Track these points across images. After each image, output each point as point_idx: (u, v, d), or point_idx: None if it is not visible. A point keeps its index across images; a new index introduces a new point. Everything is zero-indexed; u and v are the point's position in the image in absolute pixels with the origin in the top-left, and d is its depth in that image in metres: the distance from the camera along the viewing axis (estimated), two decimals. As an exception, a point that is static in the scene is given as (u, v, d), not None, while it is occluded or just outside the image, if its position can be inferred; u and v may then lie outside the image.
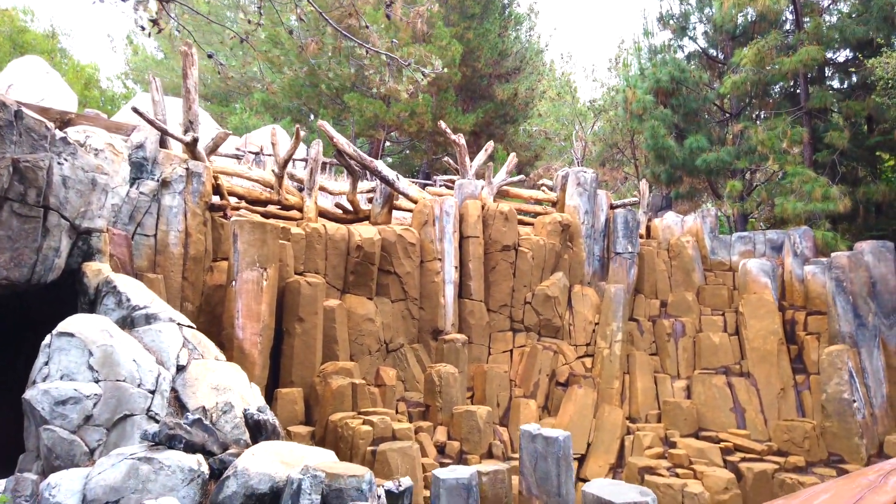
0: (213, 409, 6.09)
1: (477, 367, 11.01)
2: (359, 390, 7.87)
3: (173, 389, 6.09)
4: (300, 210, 11.07)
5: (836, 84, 17.25)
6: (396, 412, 9.24)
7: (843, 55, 17.17)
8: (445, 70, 6.80)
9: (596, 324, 12.31)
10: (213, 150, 9.68)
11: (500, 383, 10.80)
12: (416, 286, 11.13)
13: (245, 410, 5.74)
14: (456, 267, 11.38)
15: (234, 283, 8.35)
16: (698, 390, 11.33)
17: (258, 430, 5.73)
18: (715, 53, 19.21)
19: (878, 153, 16.27)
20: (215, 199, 9.45)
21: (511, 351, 11.75)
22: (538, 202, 14.01)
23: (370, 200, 12.14)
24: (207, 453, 5.18)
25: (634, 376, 11.66)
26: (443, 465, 8.29)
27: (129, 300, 6.70)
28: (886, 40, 13.96)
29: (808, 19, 15.88)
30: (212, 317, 8.76)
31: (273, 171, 10.73)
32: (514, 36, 22.71)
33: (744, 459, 9.62)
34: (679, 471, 9.06)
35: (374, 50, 5.68)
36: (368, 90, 17.63)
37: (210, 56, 6.32)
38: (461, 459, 8.57)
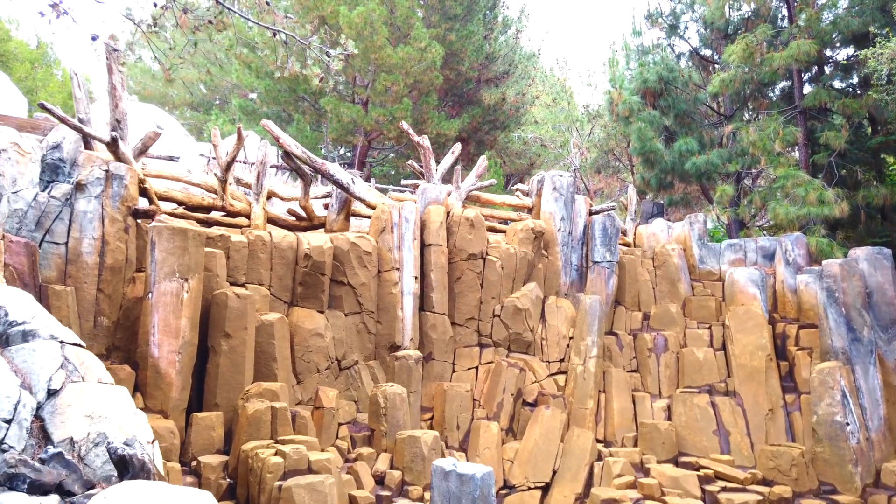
0: (84, 440, 5.29)
1: (437, 387, 10.17)
2: (279, 415, 7.03)
3: (39, 418, 5.30)
4: (248, 217, 10.35)
5: (836, 83, 16.27)
6: (337, 438, 8.41)
7: (843, 53, 16.23)
8: (356, 52, 6.04)
9: (571, 338, 11.42)
10: (142, 152, 8.97)
11: (462, 403, 9.94)
12: (372, 298, 10.34)
13: (108, 444, 4.93)
14: (416, 277, 10.57)
15: (150, 294, 7.59)
16: (679, 411, 10.38)
17: (123, 467, 4.92)
18: (709, 53, 18.32)
19: (882, 155, 15.27)
20: (144, 205, 8.71)
21: (477, 368, 10.88)
22: (512, 208, 13.17)
23: (327, 206, 11.38)
24: (66, 493, 4.40)
25: (610, 395, 10.73)
26: (379, 498, 7.44)
27: (6, 315, 5.94)
28: (883, 31, 13.00)
29: (803, 15, 14.97)
30: (131, 332, 8.01)
31: (216, 174, 10.01)
32: (501, 39, 21.91)
33: (724, 489, 8.64)
34: (648, 503, 8.12)
35: (257, 24, 4.96)
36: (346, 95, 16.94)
37: (94, 38, 5.63)
38: (402, 491, 7.71)
